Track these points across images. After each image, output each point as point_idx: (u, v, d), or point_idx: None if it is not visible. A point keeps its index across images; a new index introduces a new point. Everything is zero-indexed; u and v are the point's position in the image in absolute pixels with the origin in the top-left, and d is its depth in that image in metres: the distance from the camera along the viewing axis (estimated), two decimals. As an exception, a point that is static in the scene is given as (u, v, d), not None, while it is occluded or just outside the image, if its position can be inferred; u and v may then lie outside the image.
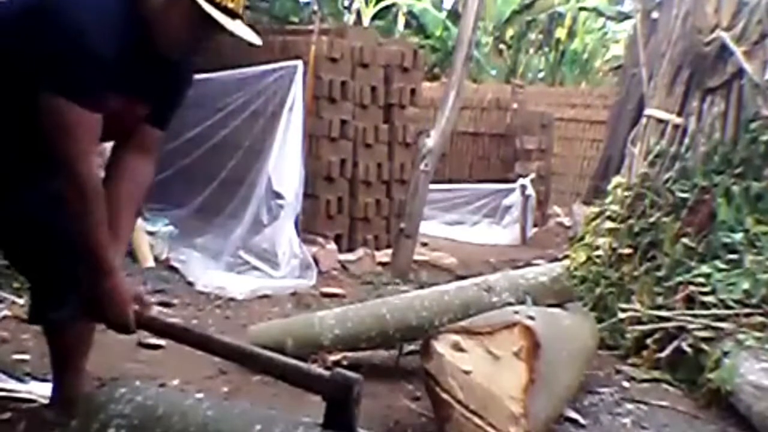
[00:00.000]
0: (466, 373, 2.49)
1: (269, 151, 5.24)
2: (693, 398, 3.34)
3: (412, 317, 3.26)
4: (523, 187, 8.03)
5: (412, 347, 3.30)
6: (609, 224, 4.55)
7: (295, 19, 9.94)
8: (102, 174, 2.09)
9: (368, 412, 2.49)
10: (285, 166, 5.20)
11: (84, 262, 1.99)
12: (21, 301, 3.75)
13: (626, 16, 13.21)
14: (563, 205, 8.97)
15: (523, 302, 3.20)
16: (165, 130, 2.25)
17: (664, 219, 4.24)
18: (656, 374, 3.56)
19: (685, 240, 4.07)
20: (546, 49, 15.81)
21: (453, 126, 5.77)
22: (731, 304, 3.58)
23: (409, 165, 6.02)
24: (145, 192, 2.25)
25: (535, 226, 8.20)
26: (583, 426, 2.95)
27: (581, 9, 14.15)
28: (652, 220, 4.30)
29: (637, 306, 3.91)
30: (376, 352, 3.43)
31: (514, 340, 2.48)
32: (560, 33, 15.45)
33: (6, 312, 3.69)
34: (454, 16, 12.30)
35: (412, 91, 6.35)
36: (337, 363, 3.17)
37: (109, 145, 2.28)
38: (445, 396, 2.52)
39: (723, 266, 3.83)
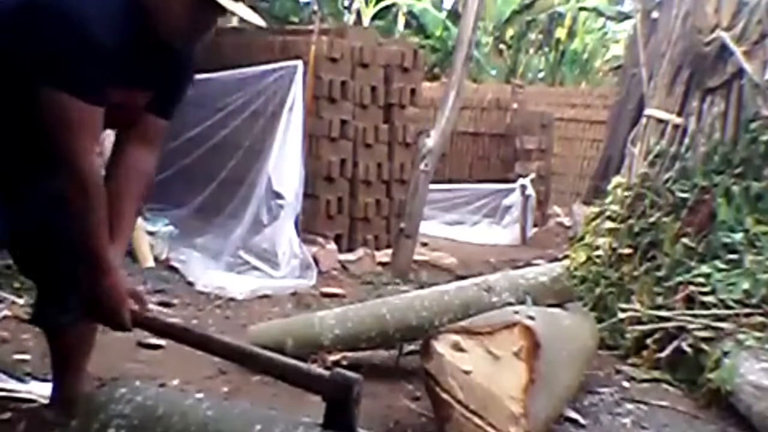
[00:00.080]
0: (466, 373, 2.49)
1: (269, 151, 5.24)
2: (693, 398, 3.34)
3: (412, 317, 3.26)
4: (523, 187, 8.02)
5: (412, 347, 3.30)
6: (609, 224, 4.55)
7: (295, 19, 9.96)
8: (103, 173, 2.08)
9: (368, 412, 2.49)
10: (285, 166, 5.20)
11: (83, 259, 1.98)
12: (21, 301, 3.76)
13: (626, 16, 13.21)
14: (563, 205, 8.96)
15: (523, 302, 3.20)
16: (169, 120, 2.20)
17: (664, 219, 4.24)
18: (656, 374, 3.56)
19: (685, 240, 4.07)
20: (546, 49, 15.81)
21: (453, 126, 5.77)
22: (731, 304, 3.58)
23: (409, 165, 6.01)
24: (147, 184, 2.20)
25: (535, 226, 8.19)
26: (583, 426, 2.95)
27: (581, 9, 14.15)
28: (652, 220, 4.30)
29: (637, 306, 3.91)
30: (376, 352, 3.43)
31: (514, 340, 2.48)
32: (560, 33, 15.46)
33: (6, 312, 3.69)
34: (454, 16, 12.30)
35: (412, 91, 6.34)
36: (337, 363, 3.16)
37: (109, 145, 2.27)
38: (445, 396, 2.52)
39: (723, 266, 3.83)
